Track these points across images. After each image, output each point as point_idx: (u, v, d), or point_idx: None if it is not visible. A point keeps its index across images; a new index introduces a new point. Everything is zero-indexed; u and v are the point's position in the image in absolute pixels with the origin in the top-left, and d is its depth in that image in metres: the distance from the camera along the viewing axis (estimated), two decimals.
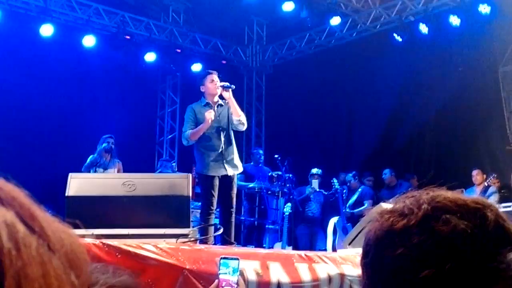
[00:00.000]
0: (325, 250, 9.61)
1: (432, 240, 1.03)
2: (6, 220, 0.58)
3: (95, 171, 9.21)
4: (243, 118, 7.01)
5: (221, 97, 7.05)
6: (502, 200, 9.79)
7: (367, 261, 1.12)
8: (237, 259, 3.24)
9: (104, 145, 9.48)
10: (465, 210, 1.05)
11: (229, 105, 6.97)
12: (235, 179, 7.08)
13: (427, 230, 1.04)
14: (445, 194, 1.10)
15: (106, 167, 9.41)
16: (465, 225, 1.03)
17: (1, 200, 0.60)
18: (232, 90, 6.94)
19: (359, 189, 10.94)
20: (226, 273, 3.17)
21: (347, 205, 10.65)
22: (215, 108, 7.00)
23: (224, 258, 3.23)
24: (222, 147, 6.90)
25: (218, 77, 7.20)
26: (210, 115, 6.75)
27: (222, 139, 6.93)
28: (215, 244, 6.79)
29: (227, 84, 6.97)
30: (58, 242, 0.62)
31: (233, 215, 6.96)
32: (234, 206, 6.96)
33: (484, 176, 10.09)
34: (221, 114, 7.00)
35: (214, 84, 6.96)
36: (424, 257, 1.02)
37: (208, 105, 6.99)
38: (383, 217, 1.11)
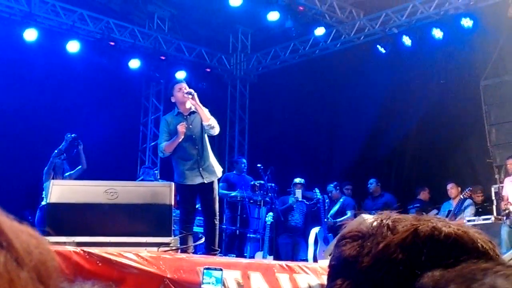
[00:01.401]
0: (307, 260, 9.64)
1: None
2: None
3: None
4: (212, 121, 6.99)
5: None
6: (483, 213, 9.87)
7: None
8: (221, 269, 3.25)
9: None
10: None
11: (197, 111, 6.97)
12: (215, 185, 7.06)
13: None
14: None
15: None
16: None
17: None
18: (192, 96, 6.94)
19: (341, 199, 10.96)
20: (209, 283, 3.18)
21: (329, 215, 10.66)
22: (187, 115, 7.02)
23: (208, 268, 3.24)
24: (197, 155, 6.91)
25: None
26: (182, 128, 6.78)
27: (196, 146, 6.94)
28: (196, 252, 6.79)
29: (189, 90, 6.98)
30: (26, 255, 0.58)
31: (217, 222, 6.96)
32: (217, 213, 6.95)
33: (459, 189, 10.16)
34: (193, 121, 7.02)
35: (182, 93, 6.97)
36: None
37: (180, 115, 7.03)
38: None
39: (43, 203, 8.89)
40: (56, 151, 9.28)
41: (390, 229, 1.06)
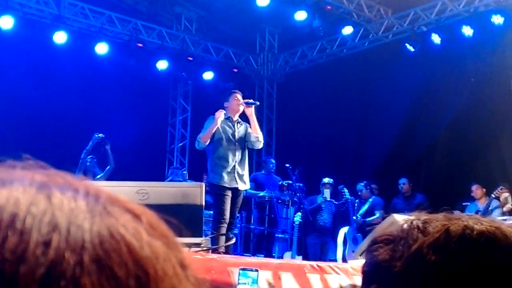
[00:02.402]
0: (336, 260, 9.60)
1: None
2: (125, 224, 0.50)
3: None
4: (260, 136, 7.42)
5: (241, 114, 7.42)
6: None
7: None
8: (257, 270, 3.24)
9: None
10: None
11: (250, 121, 7.36)
12: (242, 193, 7.41)
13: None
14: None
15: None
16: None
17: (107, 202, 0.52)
18: (256, 107, 7.31)
19: (370, 199, 10.88)
20: (245, 284, 3.18)
21: (359, 214, 10.60)
22: (235, 124, 7.34)
23: (244, 269, 3.23)
24: (236, 162, 7.18)
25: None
26: (219, 114, 7.11)
27: (237, 154, 7.22)
28: (230, 253, 6.81)
29: (251, 100, 7.52)
30: (173, 241, 0.54)
31: (235, 225, 7.31)
32: (235, 218, 7.30)
33: (484, 190, 10.06)
34: (239, 131, 7.33)
35: (237, 102, 7.36)
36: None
37: (229, 119, 7.33)
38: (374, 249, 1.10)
39: None
40: (84, 152, 9.34)
41: (421, 231, 1.05)
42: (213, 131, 7.10)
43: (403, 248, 1.03)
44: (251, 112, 7.37)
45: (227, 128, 7.25)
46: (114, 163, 9.54)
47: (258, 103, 7.58)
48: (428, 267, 1.00)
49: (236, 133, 7.28)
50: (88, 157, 9.36)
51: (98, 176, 9.38)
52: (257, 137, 7.33)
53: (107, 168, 9.55)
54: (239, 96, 7.44)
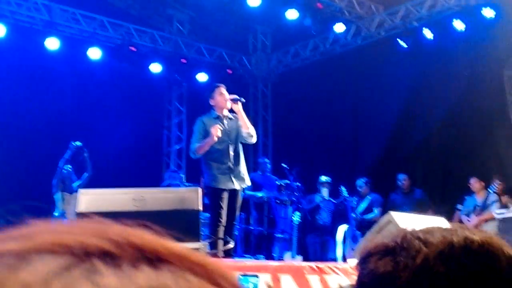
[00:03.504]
0: (336, 258, 9.61)
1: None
2: None
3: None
4: (252, 130, 7.05)
5: (230, 110, 7.07)
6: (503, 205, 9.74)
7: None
8: (257, 276, 3.24)
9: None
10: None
11: (239, 118, 6.99)
12: (240, 193, 7.12)
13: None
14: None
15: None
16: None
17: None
18: (243, 103, 7.00)
19: (369, 197, 10.89)
20: None
21: (357, 211, 10.60)
22: (225, 121, 7.02)
23: (244, 275, 3.23)
24: (230, 161, 6.94)
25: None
26: (215, 131, 6.72)
27: (231, 152, 6.96)
28: (227, 256, 6.80)
29: (236, 97, 7.03)
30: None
31: (235, 227, 7.06)
32: (237, 219, 7.07)
33: (483, 183, 10.06)
34: (230, 127, 7.03)
35: (223, 97, 7.00)
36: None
37: (218, 118, 7.01)
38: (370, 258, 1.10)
39: (56, 213, 8.98)
40: (61, 161, 9.27)
41: (422, 242, 1.05)
42: (209, 145, 6.78)
43: (406, 259, 1.03)
44: (238, 108, 6.99)
45: (221, 128, 6.91)
46: (91, 171, 9.42)
47: (243, 100, 7.07)
48: (436, 278, 1.01)
49: (228, 131, 6.98)
50: (66, 166, 9.29)
51: (76, 184, 9.29)
52: (248, 132, 6.99)
53: (85, 175, 9.45)
54: (223, 90, 7.06)
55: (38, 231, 0.48)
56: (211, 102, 7.07)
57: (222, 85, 7.22)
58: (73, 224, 0.49)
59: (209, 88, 7.39)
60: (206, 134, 6.86)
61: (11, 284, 0.42)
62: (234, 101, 7.00)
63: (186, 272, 0.46)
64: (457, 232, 1.07)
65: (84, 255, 0.45)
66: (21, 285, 0.42)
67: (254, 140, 7.16)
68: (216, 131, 6.72)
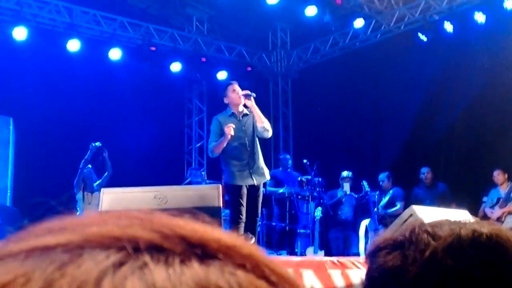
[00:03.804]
0: (358, 253, 9.60)
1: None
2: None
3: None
4: (267, 124, 7.02)
5: (245, 106, 7.09)
6: None
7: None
8: None
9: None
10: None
11: (253, 112, 7.00)
12: (261, 188, 7.11)
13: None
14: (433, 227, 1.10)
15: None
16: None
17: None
18: (254, 98, 7.00)
19: (391, 191, 10.85)
20: None
21: (379, 206, 10.58)
22: (240, 117, 7.03)
23: None
24: (248, 157, 6.94)
25: (243, 84, 7.26)
26: (229, 130, 6.73)
27: (248, 148, 6.96)
28: None
29: (248, 92, 7.02)
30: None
31: (258, 224, 7.02)
32: (259, 215, 7.04)
33: (506, 175, 9.98)
34: (246, 123, 7.02)
35: (236, 94, 6.99)
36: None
37: (233, 115, 7.02)
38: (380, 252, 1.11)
39: (78, 213, 9.06)
40: (82, 161, 9.37)
41: (430, 235, 1.06)
42: (225, 144, 6.79)
43: (415, 253, 1.04)
44: (251, 103, 6.95)
45: (234, 126, 6.89)
46: (111, 170, 9.51)
47: (254, 94, 7.00)
48: (444, 271, 1.02)
49: (244, 128, 6.97)
50: (87, 166, 9.40)
51: (96, 183, 9.39)
52: (263, 126, 6.95)
53: (104, 174, 9.54)
54: (236, 86, 7.04)
55: (84, 223, 0.47)
56: (226, 100, 7.07)
57: (235, 82, 7.25)
58: (118, 214, 0.49)
59: (222, 86, 7.41)
60: (223, 132, 6.85)
61: (62, 285, 0.41)
62: (246, 96, 6.97)
63: (234, 265, 0.45)
64: (465, 225, 1.08)
65: (134, 250, 0.44)
66: (72, 285, 0.41)
67: (269, 134, 7.12)
68: (230, 130, 6.73)
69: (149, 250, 0.44)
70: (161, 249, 0.45)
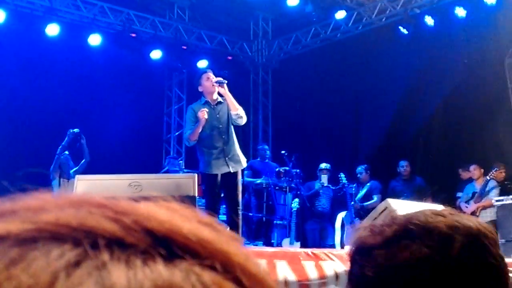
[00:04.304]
0: (334, 245, 9.64)
1: (391, 264, 1.03)
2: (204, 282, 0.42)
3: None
4: (241, 111, 7.00)
5: (220, 94, 7.09)
6: (505, 192, 9.73)
7: (348, 271, 1.13)
8: None
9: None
10: (429, 234, 1.05)
11: (226, 99, 6.99)
12: (239, 175, 7.09)
13: (388, 254, 1.04)
14: (422, 215, 1.09)
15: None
16: (424, 251, 1.03)
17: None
18: (227, 85, 6.98)
19: (368, 183, 10.89)
20: None
21: (356, 199, 10.61)
22: (214, 105, 7.03)
23: None
24: (223, 145, 6.93)
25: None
26: (202, 114, 6.76)
27: (223, 136, 6.95)
28: None
29: (220, 79, 7.00)
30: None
31: (240, 212, 7.00)
32: (240, 203, 7.01)
33: (482, 170, 10.05)
34: (220, 111, 7.03)
35: (210, 82, 6.99)
36: (387, 280, 1.03)
37: (207, 104, 7.02)
38: (361, 230, 1.11)
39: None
40: (59, 147, 9.28)
41: (423, 231, 1.06)
42: (200, 130, 6.80)
43: (409, 250, 1.04)
44: (224, 91, 6.93)
45: (208, 114, 6.89)
46: (89, 157, 9.43)
47: (226, 81, 6.98)
48: (424, 263, 1.02)
49: (218, 116, 6.97)
50: (64, 152, 9.31)
51: (73, 170, 9.31)
52: (237, 113, 6.92)
53: (82, 161, 9.46)
54: (210, 74, 7.05)
55: (39, 207, 0.43)
56: (200, 89, 7.08)
57: (209, 70, 7.25)
58: (79, 199, 0.45)
59: (197, 75, 7.38)
60: (197, 120, 6.85)
61: (11, 286, 0.38)
62: (219, 83, 6.96)
63: (202, 266, 0.42)
64: (446, 217, 1.09)
65: (92, 246, 0.40)
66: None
67: (244, 121, 7.09)
68: (204, 114, 6.75)
69: (109, 246, 0.41)
70: (123, 244, 0.41)
